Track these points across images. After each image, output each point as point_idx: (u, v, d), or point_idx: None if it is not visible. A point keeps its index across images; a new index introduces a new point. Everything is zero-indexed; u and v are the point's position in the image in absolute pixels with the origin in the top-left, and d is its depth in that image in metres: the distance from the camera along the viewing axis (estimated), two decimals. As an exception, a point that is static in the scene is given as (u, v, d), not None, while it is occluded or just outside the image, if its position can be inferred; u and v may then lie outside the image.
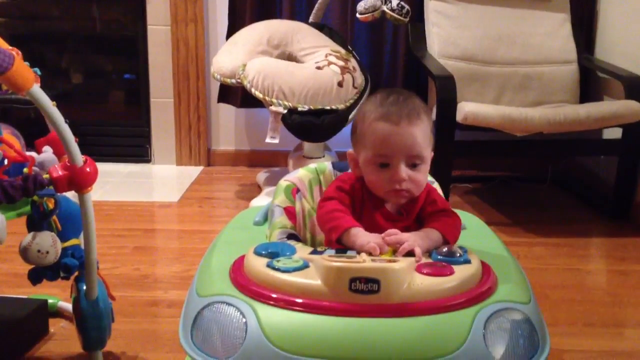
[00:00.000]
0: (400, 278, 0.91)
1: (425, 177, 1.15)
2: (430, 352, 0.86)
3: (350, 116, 2.51)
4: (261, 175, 3.06)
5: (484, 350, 0.87)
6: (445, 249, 1.03)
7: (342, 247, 1.06)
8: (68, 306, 1.60)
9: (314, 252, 1.02)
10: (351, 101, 2.56)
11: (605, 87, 2.82)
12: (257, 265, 0.97)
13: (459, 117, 2.39)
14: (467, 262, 0.99)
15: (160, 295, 1.85)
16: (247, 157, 3.39)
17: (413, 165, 1.11)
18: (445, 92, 2.46)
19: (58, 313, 1.69)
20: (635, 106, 2.42)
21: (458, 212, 1.35)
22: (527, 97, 2.81)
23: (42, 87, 1.17)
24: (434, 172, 2.41)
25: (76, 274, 1.39)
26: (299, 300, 0.90)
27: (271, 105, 2.49)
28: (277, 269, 0.94)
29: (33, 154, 1.37)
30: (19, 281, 1.63)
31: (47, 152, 1.39)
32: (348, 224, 1.07)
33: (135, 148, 3.39)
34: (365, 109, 1.15)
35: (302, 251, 1.03)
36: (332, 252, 1.01)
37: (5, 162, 1.24)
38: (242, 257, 1.03)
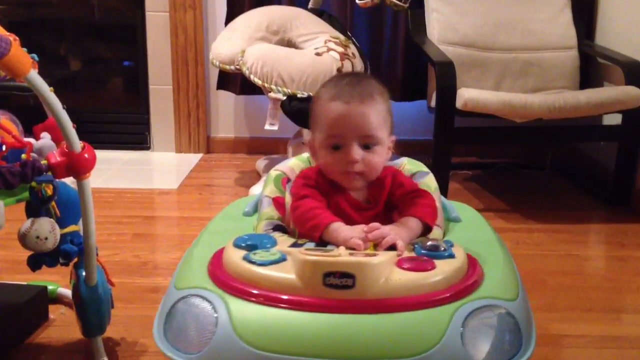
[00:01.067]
0: (376, 273, 0.88)
1: (381, 160, 1.12)
2: (404, 350, 0.83)
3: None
4: (260, 163, 3.06)
5: (460, 350, 0.84)
6: (429, 243, 1.00)
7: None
8: (68, 292, 1.61)
9: (295, 244, 1.00)
10: (350, 87, 2.54)
11: (605, 73, 2.81)
12: (234, 258, 0.95)
13: (459, 104, 2.38)
14: (451, 256, 0.96)
15: (160, 282, 1.85)
16: (246, 144, 3.39)
17: (366, 147, 1.09)
18: (445, 78, 2.45)
19: (58, 299, 1.69)
20: (635, 92, 2.41)
21: (454, 202, 1.35)
22: (527, 83, 2.80)
23: (40, 74, 1.17)
24: (433, 158, 2.46)
25: (75, 260, 1.39)
26: (272, 295, 0.88)
27: (270, 91, 2.48)
28: (253, 262, 0.92)
29: (31, 140, 1.37)
30: (19, 268, 1.63)
31: (45, 139, 1.38)
32: (327, 220, 1.04)
33: (134, 135, 3.38)
34: (320, 91, 1.14)
35: (283, 244, 1.00)
36: (311, 245, 0.99)
37: (3, 148, 1.24)
38: (222, 250, 1.01)
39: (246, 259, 0.93)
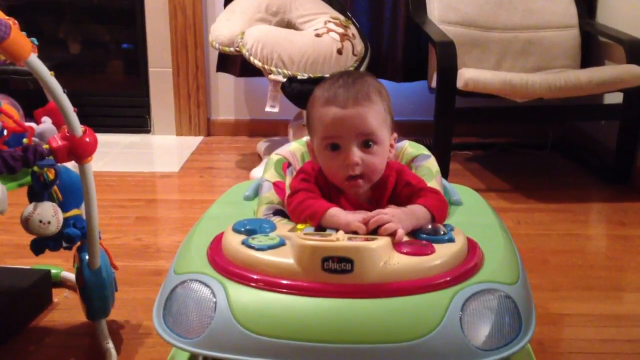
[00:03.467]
0: (375, 257, 0.87)
1: (382, 161, 1.09)
2: (402, 334, 0.83)
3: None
4: (261, 145, 3.05)
5: (459, 334, 0.84)
6: (429, 227, 0.99)
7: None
8: (71, 276, 1.62)
9: (294, 229, 0.99)
10: (351, 69, 2.54)
11: (606, 51, 2.79)
12: (233, 242, 0.94)
13: (460, 84, 2.37)
14: (451, 240, 0.95)
15: (163, 265, 1.86)
16: (247, 127, 3.38)
17: (366, 146, 1.06)
18: (446, 58, 2.44)
19: (61, 283, 1.70)
20: (637, 70, 2.39)
21: (455, 185, 1.34)
22: (528, 62, 2.79)
23: (39, 57, 1.16)
24: (434, 139, 2.45)
25: (78, 244, 1.40)
26: (270, 280, 0.88)
27: (270, 73, 2.48)
28: (252, 247, 0.92)
29: (32, 124, 1.37)
30: (22, 252, 1.64)
31: (46, 123, 1.38)
32: (324, 207, 1.02)
33: (134, 119, 3.37)
34: (314, 94, 1.10)
35: (282, 228, 1.00)
36: (311, 229, 0.98)
37: (5, 132, 1.24)
38: (221, 234, 1.01)
39: (245, 243, 0.93)
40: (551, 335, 1.52)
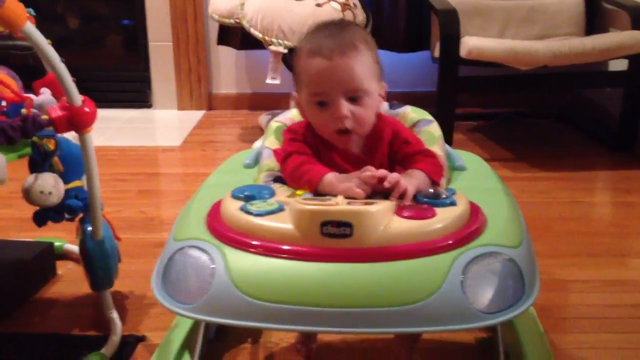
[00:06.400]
0: (374, 221, 0.86)
1: (371, 113, 1.06)
2: (402, 298, 0.82)
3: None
4: (263, 118, 3.04)
5: (460, 297, 0.82)
6: (430, 190, 0.97)
7: None
8: (75, 248, 1.62)
9: (293, 195, 0.98)
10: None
11: (611, 18, 2.75)
12: (231, 208, 0.93)
13: (463, 52, 2.35)
14: (453, 204, 0.93)
15: (166, 237, 1.82)
16: (248, 100, 3.36)
17: (355, 99, 1.03)
18: (449, 26, 2.42)
19: (65, 255, 1.70)
20: (642, 36, 2.37)
21: (459, 151, 1.32)
22: (532, 30, 2.75)
23: (37, 30, 1.14)
24: (437, 109, 2.44)
25: (81, 215, 1.40)
26: (269, 245, 0.87)
27: (271, 45, 2.45)
28: (250, 213, 0.91)
29: (31, 96, 1.36)
30: (25, 225, 1.63)
31: (45, 94, 1.37)
32: (320, 173, 1.00)
33: (135, 93, 3.35)
34: (300, 45, 1.07)
35: (281, 194, 0.99)
36: (309, 195, 0.97)
37: (3, 103, 1.23)
38: (220, 201, 1.00)
39: (243, 209, 0.92)
40: (556, 301, 1.52)
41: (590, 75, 2.67)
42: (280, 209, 0.91)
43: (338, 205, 0.88)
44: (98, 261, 1.37)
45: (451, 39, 2.39)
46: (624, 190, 2.23)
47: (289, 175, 1.06)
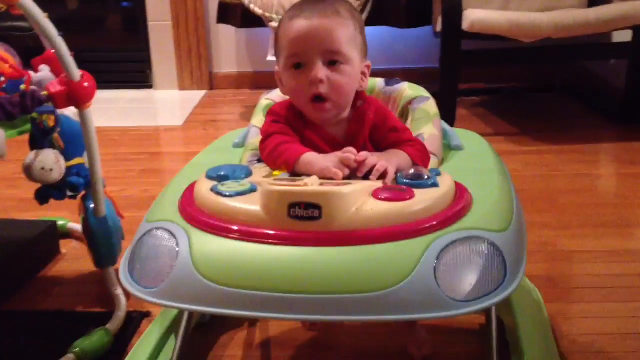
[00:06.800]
0: (345, 203, 0.80)
1: (349, 82, 1.00)
2: (370, 284, 0.76)
3: (353, 29, 2.44)
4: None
5: (432, 284, 0.76)
6: (411, 171, 0.91)
7: None
8: (78, 227, 1.61)
9: (270, 175, 0.94)
10: (354, 14, 2.48)
11: (615, -12, 2.72)
12: (202, 189, 0.89)
13: (465, 25, 2.33)
14: (435, 185, 0.88)
15: (169, 215, 1.85)
16: (250, 79, 3.34)
17: (333, 64, 0.98)
18: (451, -1, 2.39)
19: (68, 234, 1.70)
20: (647, 6, 2.34)
21: (459, 130, 1.25)
22: (535, 2, 2.70)
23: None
24: (440, 84, 2.42)
25: (83, 193, 1.39)
26: (233, 227, 0.82)
27: (271, 21, 2.43)
28: (219, 193, 0.86)
29: (30, 73, 1.35)
30: (27, 206, 1.63)
31: (44, 71, 1.36)
32: (297, 152, 0.95)
33: (136, 74, 3.34)
34: (283, 15, 1.03)
35: (258, 175, 0.94)
36: (285, 175, 0.93)
37: (2, 79, 1.21)
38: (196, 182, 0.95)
39: (214, 190, 0.88)
40: (562, 272, 1.51)
41: (594, 47, 2.65)
42: (251, 190, 0.87)
43: (307, 186, 0.83)
44: (101, 238, 1.37)
45: (453, 12, 2.36)
46: (628, 162, 2.21)
47: (267, 156, 1.01)
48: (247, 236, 0.81)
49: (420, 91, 1.21)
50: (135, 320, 1.33)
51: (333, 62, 0.98)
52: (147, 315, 1.35)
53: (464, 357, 1.22)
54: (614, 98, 2.66)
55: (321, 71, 0.97)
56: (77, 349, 1.19)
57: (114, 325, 1.28)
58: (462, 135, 1.23)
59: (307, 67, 0.98)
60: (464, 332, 1.28)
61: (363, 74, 1.04)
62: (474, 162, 1.11)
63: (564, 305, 1.36)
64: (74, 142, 1.36)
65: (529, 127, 2.60)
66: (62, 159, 1.31)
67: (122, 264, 0.89)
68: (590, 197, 1.93)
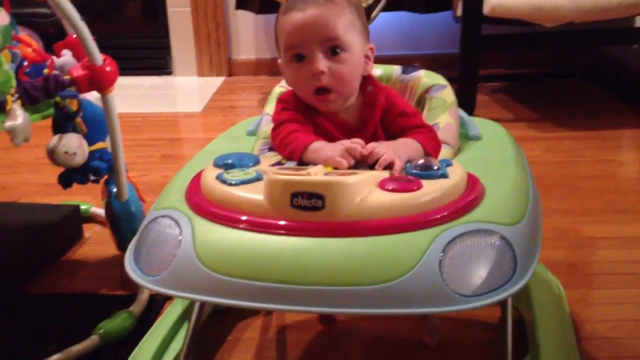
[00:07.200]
0: (349, 194, 0.78)
1: (352, 70, 0.99)
2: (372, 277, 0.74)
3: (373, 14, 2.43)
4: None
5: (436, 278, 0.74)
6: (421, 161, 0.89)
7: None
8: (101, 212, 1.62)
9: (278, 164, 0.94)
10: (370, 1, 2.47)
11: (639, -28, 2.68)
12: (208, 177, 0.88)
13: (486, 10, 2.31)
14: (444, 176, 0.85)
15: (190, 200, 1.86)
16: (268, 66, 3.34)
17: (333, 54, 0.97)
18: (471, -17, 2.37)
19: (91, 218, 1.72)
20: (671, -11, 2.30)
21: (478, 119, 1.22)
22: (556, -14, 2.69)
23: None
24: (460, 70, 2.40)
25: (106, 177, 1.40)
26: (236, 216, 0.81)
27: (290, 6, 2.42)
28: (224, 182, 0.85)
29: (53, 57, 1.36)
30: (51, 190, 1.66)
31: (67, 56, 1.37)
32: (306, 140, 0.94)
33: (155, 60, 3.35)
34: (279, 9, 1.02)
35: (265, 163, 0.93)
36: (292, 164, 0.93)
37: (25, 63, 1.22)
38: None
39: (219, 178, 0.86)
40: (583, 258, 1.50)
41: (617, 32, 2.61)
42: (257, 179, 0.85)
43: (311, 175, 0.81)
44: (124, 222, 1.39)
45: (474, -3, 2.34)
46: (652, 148, 2.19)
47: (277, 145, 1.01)
48: (250, 225, 0.80)
49: (437, 79, 1.19)
50: (158, 303, 1.34)
51: (333, 51, 0.97)
52: (169, 298, 1.36)
53: (481, 343, 1.22)
54: (636, 83, 2.62)
55: (321, 63, 0.96)
56: (101, 331, 1.21)
57: (137, 307, 1.30)
58: (481, 125, 1.20)
59: (307, 59, 0.97)
60: (482, 320, 1.28)
61: (367, 57, 1.03)
62: (490, 153, 1.08)
63: (585, 292, 1.35)
64: (96, 126, 1.37)
65: (550, 113, 2.57)
66: (85, 143, 1.32)
67: (128, 250, 0.88)
68: (612, 183, 1.91)
